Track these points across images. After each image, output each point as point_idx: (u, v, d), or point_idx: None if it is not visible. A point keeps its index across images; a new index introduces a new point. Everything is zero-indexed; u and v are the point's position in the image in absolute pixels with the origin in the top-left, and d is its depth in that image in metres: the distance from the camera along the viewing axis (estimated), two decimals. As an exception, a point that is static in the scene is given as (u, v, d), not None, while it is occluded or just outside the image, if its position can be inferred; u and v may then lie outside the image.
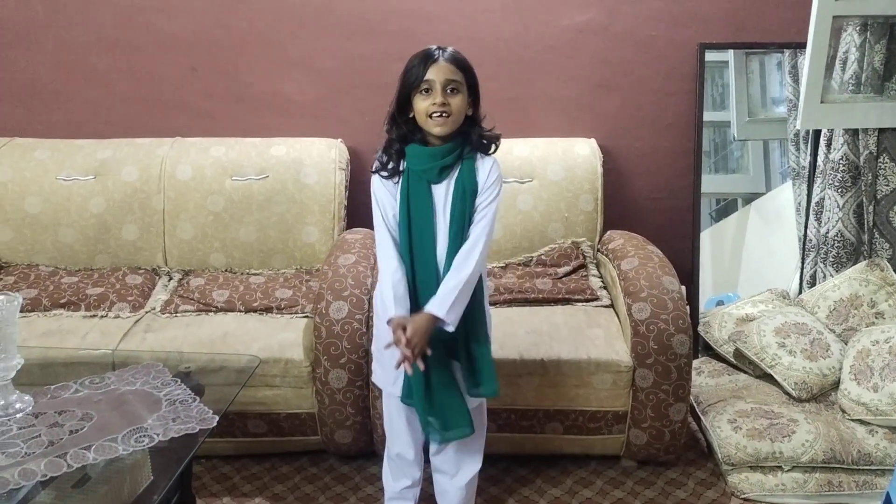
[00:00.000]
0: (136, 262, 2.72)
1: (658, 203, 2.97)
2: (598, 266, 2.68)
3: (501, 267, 2.67)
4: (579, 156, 2.76)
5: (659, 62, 2.85)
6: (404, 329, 1.66)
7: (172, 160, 2.73)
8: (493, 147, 1.81)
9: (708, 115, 2.91)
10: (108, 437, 1.57)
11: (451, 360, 1.80)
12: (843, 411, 2.33)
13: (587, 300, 2.50)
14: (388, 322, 1.71)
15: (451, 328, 1.71)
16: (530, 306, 2.47)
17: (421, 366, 1.69)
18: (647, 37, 2.83)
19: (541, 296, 2.50)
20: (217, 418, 1.65)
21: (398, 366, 1.68)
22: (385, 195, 1.79)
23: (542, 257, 2.69)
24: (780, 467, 2.20)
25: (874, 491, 2.16)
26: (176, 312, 2.45)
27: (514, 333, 2.27)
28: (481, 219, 1.76)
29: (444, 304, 1.69)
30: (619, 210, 2.92)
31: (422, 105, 1.72)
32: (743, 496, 2.21)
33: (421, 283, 1.77)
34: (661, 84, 2.87)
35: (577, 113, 2.91)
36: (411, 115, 1.76)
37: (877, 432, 2.23)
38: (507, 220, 2.68)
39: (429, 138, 1.77)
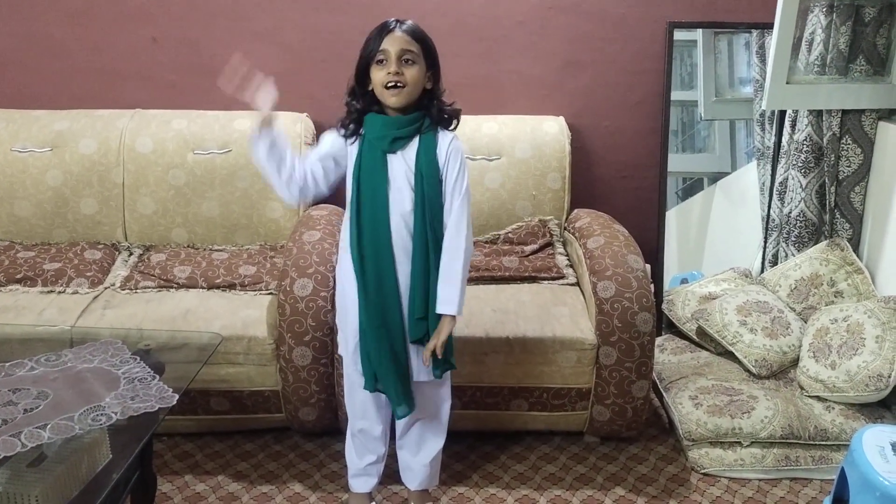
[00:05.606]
0: (95, 236, 2.66)
1: (625, 182, 2.98)
2: (564, 244, 2.69)
3: (468, 244, 2.66)
4: (547, 134, 2.75)
5: (628, 41, 2.84)
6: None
7: (132, 132, 2.66)
8: (455, 122, 1.81)
9: (676, 95, 2.92)
10: (65, 416, 1.54)
11: (415, 344, 1.81)
12: (802, 388, 2.37)
13: (553, 278, 2.50)
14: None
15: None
16: (497, 284, 2.47)
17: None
18: (617, 14, 2.81)
19: (507, 274, 2.50)
20: (177, 396, 1.63)
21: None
22: (331, 141, 1.80)
23: (510, 235, 2.68)
24: (739, 443, 2.24)
25: (830, 465, 2.21)
26: (136, 289, 2.40)
27: (480, 311, 2.27)
28: (454, 198, 1.75)
29: (453, 301, 1.73)
30: (586, 188, 2.92)
31: (378, 76, 1.71)
32: (703, 471, 2.25)
33: (370, 248, 1.76)
34: (631, 63, 2.86)
35: (546, 91, 2.89)
36: (370, 88, 1.75)
37: (833, 409, 2.28)
38: (474, 198, 2.65)
39: (387, 111, 1.76)
